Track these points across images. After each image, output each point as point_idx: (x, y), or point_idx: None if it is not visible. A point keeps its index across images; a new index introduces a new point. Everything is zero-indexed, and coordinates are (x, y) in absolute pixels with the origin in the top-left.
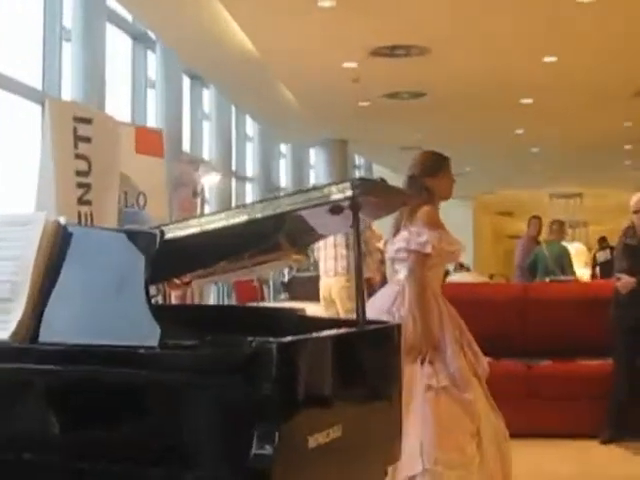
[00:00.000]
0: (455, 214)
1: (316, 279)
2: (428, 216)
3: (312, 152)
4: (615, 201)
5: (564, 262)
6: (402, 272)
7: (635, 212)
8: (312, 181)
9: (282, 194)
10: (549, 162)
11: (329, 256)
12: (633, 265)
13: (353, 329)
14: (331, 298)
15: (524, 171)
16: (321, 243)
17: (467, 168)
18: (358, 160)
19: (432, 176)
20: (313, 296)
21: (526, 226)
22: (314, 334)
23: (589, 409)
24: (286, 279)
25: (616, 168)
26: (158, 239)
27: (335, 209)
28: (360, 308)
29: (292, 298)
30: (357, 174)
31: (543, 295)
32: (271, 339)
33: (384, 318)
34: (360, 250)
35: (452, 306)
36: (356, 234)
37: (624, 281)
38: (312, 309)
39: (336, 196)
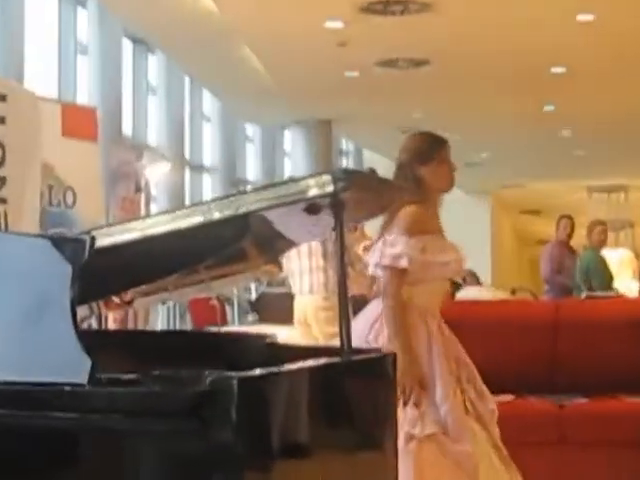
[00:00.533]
0: (468, 213)
1: (291, 297)
2: (408, 219)
3: (287, 135)
4: None
5: (591, 275)
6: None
7: None
8: (287, 172)
9: (248, 189)
10: (585, 147)
11: (304, 269)
12: None
13: (336, 359)
14: (307, 321)
15: (554, 159)
16: (293, 253)
17: (483, 154)
18: (345, 145)
19: (424, 163)
20: (288, 318)
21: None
22: (285, 366)
23: (635, 458)
24: (253, 297)
25: None
26: (88, 247)
27: (312, 208)
28: (345, 333)
29: (262, 320)
30: (344, 162)
31: (577, 316)
32: (232, 373)
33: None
34: (344, 260)
35: (452, 331)
36: (339, 240)
37: None
38: (286, 334)
39: (314, 192)
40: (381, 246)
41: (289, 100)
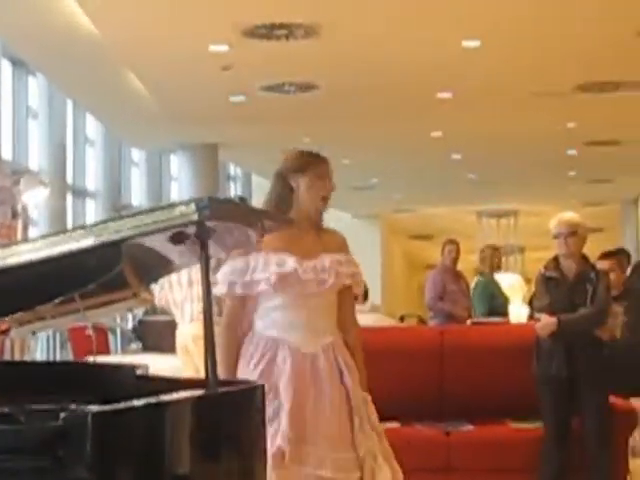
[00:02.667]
0: (357, 238)
1: (174, 325)
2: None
3: (173, 159)
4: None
5: (488, 300)
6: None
7: (555, 237)
8: (174, 197)
9: (117, 216)
10: (475, 172)
11: (185, 298)
12: (555, 302)
13: (199, 392)
14: (189, 350)
15: (444, 183)
16: (174, 281)
17: (372, 179)
18: (233, 170)
19: (298, 174)
20: (172, 346)
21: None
22: (143, 400)
23: None
24: (130, 325)
25: (558, 179)
26: None
27: (177, 237)
28: (210, 365)
29: (146, 349)
30: (232, 187)
31: (462, 342)
32: (87, 408)
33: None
34: (209, 290)
35: None
36: (204, 270)
37: (544, 322)
38: (170, 363)
39: (178, 220)
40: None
41: (174, 124)
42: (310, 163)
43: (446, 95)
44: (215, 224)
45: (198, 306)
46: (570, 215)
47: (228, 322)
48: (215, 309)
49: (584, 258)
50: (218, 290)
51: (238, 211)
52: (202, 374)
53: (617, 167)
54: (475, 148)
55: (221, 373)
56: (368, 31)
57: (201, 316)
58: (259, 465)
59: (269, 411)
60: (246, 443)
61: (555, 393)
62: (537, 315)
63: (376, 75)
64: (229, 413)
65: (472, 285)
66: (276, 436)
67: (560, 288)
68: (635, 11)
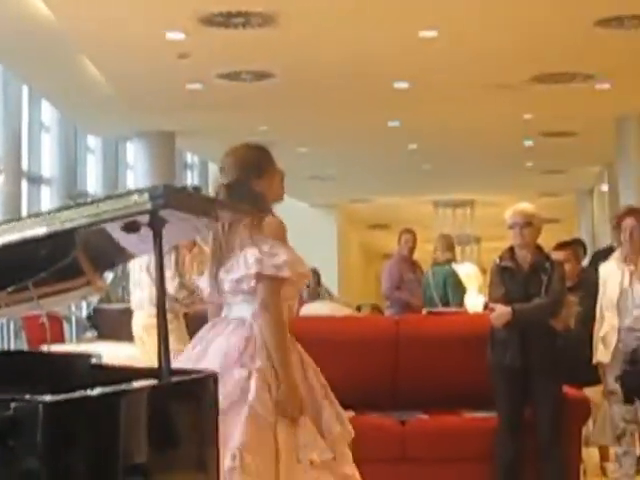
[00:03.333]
0: (314, 227)
1: (130, 312)
2: (279, 229)
3: (129, 147)
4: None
5: (449, 290)
6: (243, 309)
7: (510, 228)
8: (129, 184)
9: (71, 204)
10: (431, 162)
11: (135, 283)
12: (510, 292)
13: (152, 381)
14: (142, 337)
15: (401, 173)
16: (134, 265)
17: (329, 168)
18: (190, 158)
19: (261, 177)
20: (128, 334)
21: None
22: (95, 390)
23: (476, 474)
24: (84, 314)
25: (514, 170)
26: None
27: (131, 226)
28: (163, 355)
29: (101, 337)
30: (189, 175)
31: (417, 332)
32: (38, 397)
33: (235, 373)
34: (163, 279)
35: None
36: (158, 259)
37: (498, 312)
38: (126, 352)
39: (131, 209)
40: (258, 255)
41: (131, 112)
42: (264, 161)
43: (403, 85)
44: (169, 213)
45: (151, 292)
46: (525, 206)
47: (281, 311)
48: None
49: (539, 248)
50: (273, 271)
51: (192, 200)
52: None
53: (573, 158)
54: (432, 138)
55: (281, 367)
56: (325, 20)
57: (148, 304)
58: (212, 454)
59: None
60: (199, 432)
61: (509, 383)
62: (492, 305)
63: (333, 64)
64: (182, 402)
65: (433, 274)
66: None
67: (515, 278)
68: (590, 2)
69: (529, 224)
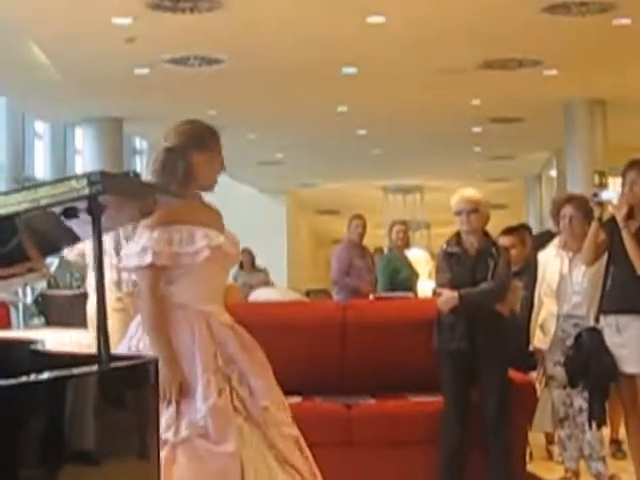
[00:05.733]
0: (263, 213)
1: (80, 297)
2: (154, 214)
3: (78, 133)
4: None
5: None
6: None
7: (457, 214)
8: (78, 170)
9: (9, 189)
10: (381, 147)
11: (94, 266)
12: (456, 277)
13: (91, 368)
14: (93, 323)
15: (351, 159)
16: (88, 248)
17: (278, 155)
18: (139, 143)
19: (200, 150)
20: (78, 320)
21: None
22: (33, 377)
23: (423, 457)
24: (29, 300)
25: (463, 155)
26: None
27: (70, 211)
28: (102, 341)
29: (49, 324)
30: (138, 161)
31: (365, 317)
32: None
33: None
34: (102, 265)
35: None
36: (96, 245)
37: (445, 296)
38: (74, 338)
39: (69, 195)
40: (130, 248)
41: (79, 97)
42: (211, 139)
43: (351, 70)
44: (108, 198)
45: (111, 275)
46: (471, 192)
47: (153, 293)
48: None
49: (485, 234)
50: (136, 262)
51: (131, 186)
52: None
53: (521, 144)
54: (380, 124)
55: (159, 349)
56: (273, 5)
57: (112, 286)
58: (152, 439)
59: (234, 376)
60: (139, 417)
61: (456, 367)
62: (439, 290)
63: (281, 49)
64: (122, 388)
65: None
66: (253, 397)
67: (462, 264)
68: None
69: (476, 210)
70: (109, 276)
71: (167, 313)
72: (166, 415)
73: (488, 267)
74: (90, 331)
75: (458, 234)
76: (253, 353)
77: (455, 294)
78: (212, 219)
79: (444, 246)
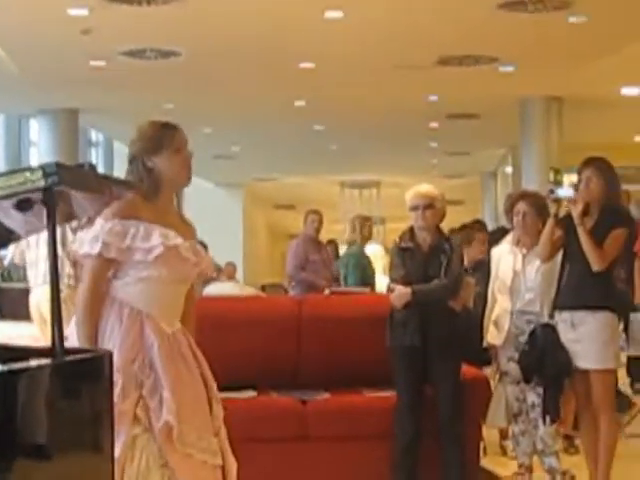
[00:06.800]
0: (219, 207)
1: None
2: (114, 206)
3: (33, 124)
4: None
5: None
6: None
7: (412, 209)
8: (33, 162)
9: None
10: (338, 142)
11: (40, 257)
12: (409, 273)
13: (43, 361)
14: (43, 316)
15: (308, 153)
16: (32, 241)
17: (235, 147)
18: (95, 136)
19: (155, 153)
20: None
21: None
22: None
23: (378, 451)
24: None
25: (420, 151)
26: None
27: (25, 203)
28: (57, 333)
29: (4, 317)
30: (94, 153)
31: (320, 312)
32: None
33: None
34: (56, 258)
35: (197, 327)
36: (51, 237)
37: (398, 292)
38: (28, 332)
39: (24, 187)
40: (81, 236)
41: (34, 88)
42: (163, 138)
43: (309, 65)
44: (63, 190)
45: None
46: (427, 188)
47: (94, 286)
48: (70, 272)
49: (438, 230)
50: (86, 249)
51: (87, 178)
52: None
53: (477, 140)
54: (338, 119)
55: (82, 337)
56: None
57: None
58: (107, 434)
59: (148, 384)
60: (94, 412)
61: (409, 363)
62: (392, 286)
63: (238, 43)
64: (76, 382)
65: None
66: (161, 410)
67: (415, 259)
68: None
69: (431, 206)
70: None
71: (106, 306)
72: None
73: (441, 263)
74: (35, 324)
75: (411, 229)
76: (184, 367)
77: (408, 290)
78: (180, 226)
79: (397, 241)
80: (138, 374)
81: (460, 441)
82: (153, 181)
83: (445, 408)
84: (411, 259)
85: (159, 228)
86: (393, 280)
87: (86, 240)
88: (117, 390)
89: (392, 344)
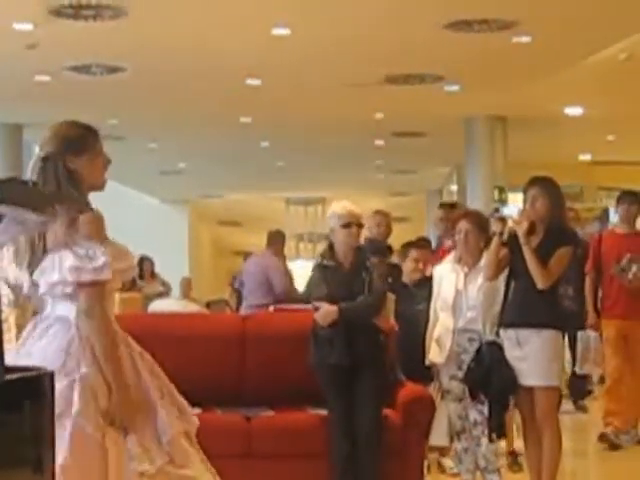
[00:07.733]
0: (164, 223)
1: None
2: (93, 225)
3: None
4: (366, 208)
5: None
6: (66, 307)
7: (345, 226)
8: None
9: None
10: (284, 159)
11: None
12: (333, 291)
13: None
14: None
15: (254, 170)
16: None
17: (180, 164)
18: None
19: (78, 154)
20: None
21: (263, 240)
22: None
23: (321, 469)
24: None
25: (366, 169)
26: None
27: None
28: None
29: None
30: None
31: (263, 329)
32: None
33: (57, 384)
34: None
35: (140, 344)
36: None
37: (324, 310)
38: None
39: None
40: (73, 260)
41: None
42: (86, 139)
43: (255, 82)
44: (3, 208)
45: None
46: (354, 205)
47: (106, 317)
48: (10, 297)
49: (359, 248)
50: (97, 275)
51: (29, 195)
52: None
53: (423, 158)
54: (284, 136)
55: (115, 374)
56: (176, 14)
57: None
58: (47, 454)
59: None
60: (34, 432)
61: (336, 381)
62: (316, 304)
63: (184, 59)
64: (16, 401)
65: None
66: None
67: (337, 277)
68: (440, 6)
69: (361, 225)
70: None
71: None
72: (135, 447)
73: (364, 281)
74: None
75: (331, 247)
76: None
77: (334, 308)
78: None
79: (319, 259)
80: (160, 387)
81: (378, 456)
82: (73, 184)
83: (366, 428)
84: (333, 277)
85: (121, 247)
86: (316, 298)
87: (86, 269)
88: (161, 414)
89: (317, 362)
